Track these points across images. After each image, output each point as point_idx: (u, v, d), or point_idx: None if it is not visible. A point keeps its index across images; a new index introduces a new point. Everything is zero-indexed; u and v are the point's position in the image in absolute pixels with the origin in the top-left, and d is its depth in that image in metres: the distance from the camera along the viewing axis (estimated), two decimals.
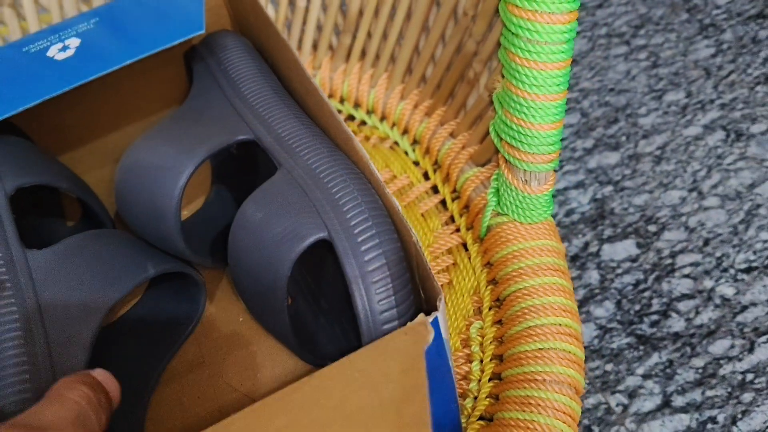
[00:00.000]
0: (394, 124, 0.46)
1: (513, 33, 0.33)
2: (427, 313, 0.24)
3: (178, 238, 0.31)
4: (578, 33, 1.00)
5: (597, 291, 0.74)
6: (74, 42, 0.38)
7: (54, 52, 0.37)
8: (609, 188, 0.82)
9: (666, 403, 0.66)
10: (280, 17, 0.48)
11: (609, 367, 0.69)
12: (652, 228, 0.78)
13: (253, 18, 0.39)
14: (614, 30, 0.99)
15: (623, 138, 0.87)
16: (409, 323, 0.23)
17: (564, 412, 0.31)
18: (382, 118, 0.47)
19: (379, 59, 0.46)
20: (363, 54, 0.47)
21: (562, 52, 0.32)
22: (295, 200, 0.29)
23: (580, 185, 0.83)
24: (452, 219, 0.41)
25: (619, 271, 0.76)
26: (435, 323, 0.23)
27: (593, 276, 0.76)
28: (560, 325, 0.33)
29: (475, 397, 0.34)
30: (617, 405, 0.67)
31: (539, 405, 0.31)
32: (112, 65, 0.35)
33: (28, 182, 0.33)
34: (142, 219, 0.33)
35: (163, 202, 0.31)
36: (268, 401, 0.22)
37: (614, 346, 0.70)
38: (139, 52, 0.36)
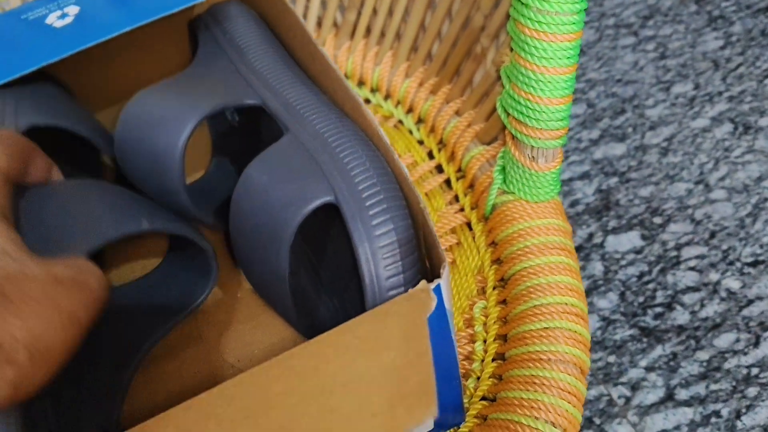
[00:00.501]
0: (398, 102, 0.45)
1: (523, 3, 0.32)
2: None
3: (181, 190, 0.30)
4: (585, 23, 0.99)
5: (601, 282, 0.74)
6: (73, 10, 0.37)
7: (53, 19, 0.37)
8: (614, 179, 0.81)
9: (669, 396, 0.65)
10: None
11: (612, 358, 0.68)
12: (658, 220, 0.78)
13: None
14: (622, 20, 0.98)
15: (630, 129, 0.86)
16: (411, 289, 0.22)
17: (569, 392, 0.30)
18: (387, 96, 0.46)
19: (384, 36, 0.45)
20: (368, 31, 0.46)
21: (573, 23, 0.31)
22: (302, 164, 0.28)
23: (585, 176, 0.82)
24: (456, 198, 0.40)
25: (624, 262, 0.75)
26: (437, 291, 0.22)
27: (597, 267, 0.75)
28: (566, 304, 0.32)
29: (478, 377, 0.33)
30: (619, 397, 0.66)
31: (544, 384, 0.30)
32: (110, 33, 0.34)
33: (43, 122, 0.32)
34: (143, 171, 0.32)
35: (165, 152, 0.30)
36: (264, 367, 0.21)
37: (617, 337, 0.69)
38: (139, 19, 0.35)
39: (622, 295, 0.72)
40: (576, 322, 0.32)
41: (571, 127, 0.86)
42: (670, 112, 0.87)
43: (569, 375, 0.30)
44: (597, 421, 0.64)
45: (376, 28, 0.46)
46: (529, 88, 0.33)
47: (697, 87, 0.89)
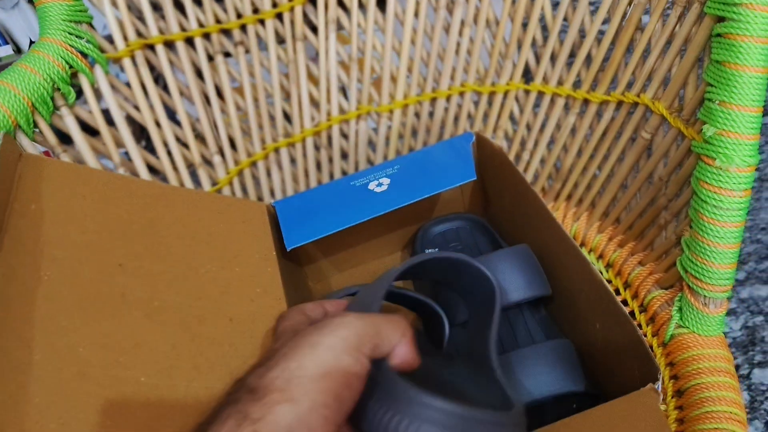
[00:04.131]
0: (591, 250, 0.61)
1: (702, 200, 0.47)
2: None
3: None
4: None
5: (747, 411, 0.82)
6: (386, 181, 0.57)
7: (373, 186, 0.56)
8: (760, 318, 0.90)
9: None
10: None
11: None
12: None
13: (499, 166, 0.57)
14: (766, 174, 1.10)
15: None
16: (643, 389, 0.37)
17: None
18: (581, 245, 0.62)
19: (581, 203, 0.62)
20: (569, 197, 0.63)
21: (739, 217, 0.46)
22: None
23: (731, 312, 0.92)
24: (639, 326, 0.54)
25: None
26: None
27: (744, 396, 0.83)
28: (731, 413, 0.45)
29: None
30: None
31: None
32: (411, 199, 0.53)
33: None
34: None
35: None
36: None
37: None
38: (428, 191, 0.54)
39: (767, 424, 0.80)
40: (739, 428, 0.45)
41: None
42: None
43: None
44: None
45: (575, 197, 0.62)
46: (705, 257, 0.48)
47: None
